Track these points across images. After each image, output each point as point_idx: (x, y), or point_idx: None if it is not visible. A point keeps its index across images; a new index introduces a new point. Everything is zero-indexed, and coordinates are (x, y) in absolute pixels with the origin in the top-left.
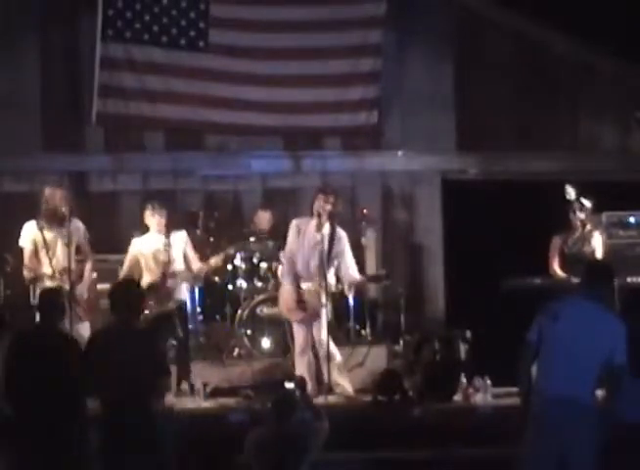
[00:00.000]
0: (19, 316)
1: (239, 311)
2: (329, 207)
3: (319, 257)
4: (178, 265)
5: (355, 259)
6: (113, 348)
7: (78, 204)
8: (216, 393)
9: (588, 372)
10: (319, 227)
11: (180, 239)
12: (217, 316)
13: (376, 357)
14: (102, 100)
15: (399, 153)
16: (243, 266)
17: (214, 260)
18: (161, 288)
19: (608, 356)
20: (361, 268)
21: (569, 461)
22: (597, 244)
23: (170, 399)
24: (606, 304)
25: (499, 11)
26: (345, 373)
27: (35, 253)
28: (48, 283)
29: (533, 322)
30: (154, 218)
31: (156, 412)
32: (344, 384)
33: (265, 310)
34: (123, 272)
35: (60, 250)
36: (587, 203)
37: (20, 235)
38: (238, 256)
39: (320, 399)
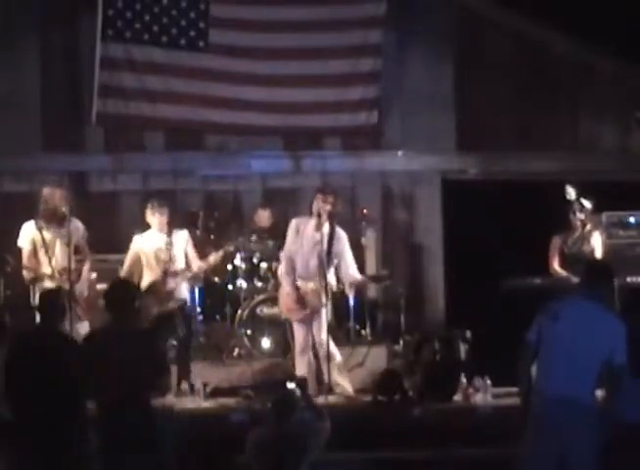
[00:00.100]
0: (19, 317)
1: (239, 311)
2: (328, 207)
3: (318, 256)
4: (179, 264)
5: (355, 259)
6: (110, 348)
7: (78, 204)
8: (216, 393)
9: (588, 372)
10: (318, 227)
11: (182, 237)
12: (217, 316)
13: (376, 357)
14: (102, 100)
15: (399, 153)
16: (243, 266)
17: (213, 258)
18: (162, 287)
19: (608, 356)
20: (361, 268)
21: (568, 461)
22: (597, 244)
23: (170, 398)
24: (606, 303)
25: (499, 11)
26: (345, 373)
27: (34, 253)
28: (48, 283)
29: (533, 322)
30: (155, 217)
31: (155, 412)
32: (344, 384)
33: (265, 310)
34: (124, 269)
35: (59, 250)
36: (587, 203)
37: (19, 235)
38: (238, 256)
39: (320, 399)
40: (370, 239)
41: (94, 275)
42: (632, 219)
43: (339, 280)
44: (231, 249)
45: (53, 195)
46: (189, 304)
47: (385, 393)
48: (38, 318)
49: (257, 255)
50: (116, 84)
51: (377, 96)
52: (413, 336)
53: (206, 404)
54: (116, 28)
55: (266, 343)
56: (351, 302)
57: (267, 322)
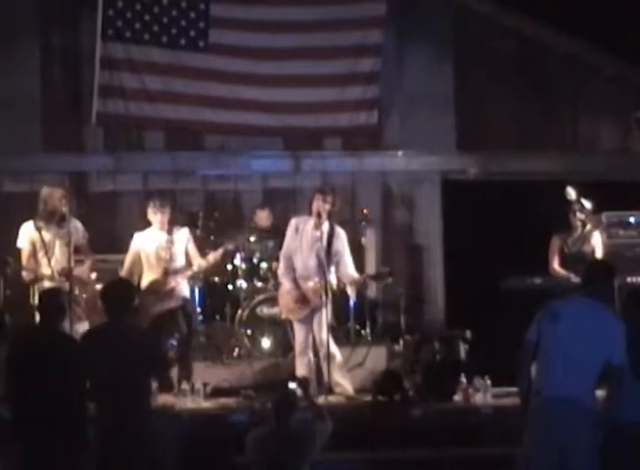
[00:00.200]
0: (19, 317)
1: (239, 311)
2: (327, 206)
3: (317, 255)
4: (180, 263)
5: (355, 260)
6: (107, 347)
7: (78, 204)
8: (216, 393)
9: (588, 372)
10: (318, 226)
11: (182, 236)
12: (217, 316)
13: (376, 357)
14: (102, 100)
15: (399, 153)
16: (243, 266)
17: (213, 256)
18: (163, 286)
19: (607, 356)
20: (361, 268)
21: (568, 461)
22: (597, 244)
23: (171, 398)
24: (606, 303)
25: (499, 11)
26: (346, 373)
27: (34, 253)
28: (48, 283)
29: (533, 322)
30: (156, 215)
31: (153, 411)
32: (345, 384)
33: (265, 310)
34: (125, 268)
35: (58, 250)
36: (587, 204)
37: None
38: (238, 255)
39: (320, 399)
40: (370, 239)
41: (94, 275)
42: (632, 219)
43: (339, 279)
44: (230, 247)
45: (52, 195)
46: (190, 302)
47: (385, 393)
48: (38, 318)
49: (257, 254)
50: (116, 84)
51: (376, 96)
52: (413, 336)
53: (207, 404)
54: (116, 28)
55: (266, 343)
56: (351, 302)
57: (267, 322)
